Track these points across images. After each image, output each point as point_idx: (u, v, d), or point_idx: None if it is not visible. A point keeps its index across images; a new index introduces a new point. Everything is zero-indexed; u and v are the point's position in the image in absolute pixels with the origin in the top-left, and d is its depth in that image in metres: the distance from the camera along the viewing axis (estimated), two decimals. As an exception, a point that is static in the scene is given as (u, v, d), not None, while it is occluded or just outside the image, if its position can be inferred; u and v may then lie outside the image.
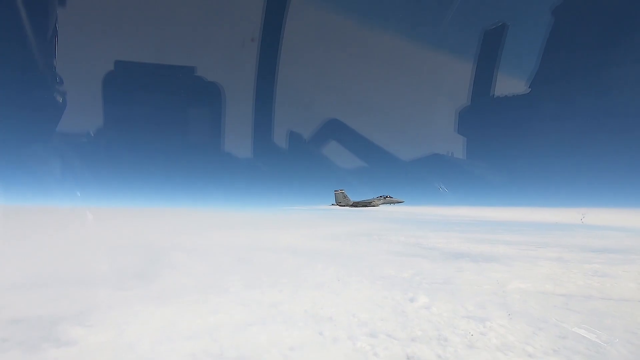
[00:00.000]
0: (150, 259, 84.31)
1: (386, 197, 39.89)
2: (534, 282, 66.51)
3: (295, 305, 52.11)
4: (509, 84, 40.22)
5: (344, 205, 37.86)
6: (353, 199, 41.99)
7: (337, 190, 37.92)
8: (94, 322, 42.20)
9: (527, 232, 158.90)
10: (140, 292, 56.42)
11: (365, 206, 38.92)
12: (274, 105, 42.69)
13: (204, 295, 56.04)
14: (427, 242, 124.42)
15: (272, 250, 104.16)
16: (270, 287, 61.62)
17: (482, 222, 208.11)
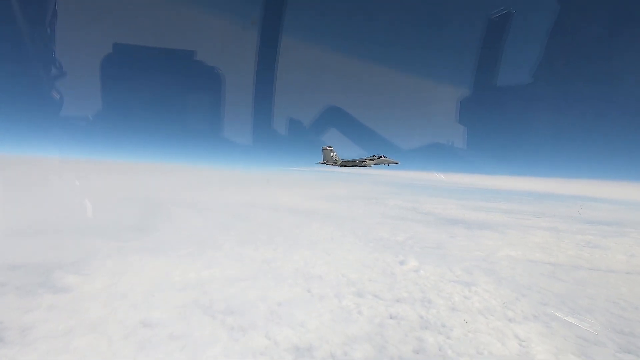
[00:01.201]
0: (149, 212, 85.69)
1: (380, 156, 36.02)
2: (525, 250, 67.49)
3: (287, 262, 53.43)
4: (512, 73, 38.42)
5: (332, 164, 35.41)
6: (345, 157, 39.92)
7: (325, 147, 35.22)
8: (89, 271, 43.54)
9: (526, 201, 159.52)
10: (137, 243, 57.77)
11: (356, 166, 35.77)
12: (274, 92, 41.62)
13: (199, 249, 57.38)
14: (424, 207, 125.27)
15: (270, 208, 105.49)
16: (264, 245, 62.93)
17: (481, 189, 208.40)
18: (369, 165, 36.69)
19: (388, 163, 35.73)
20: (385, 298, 41.90)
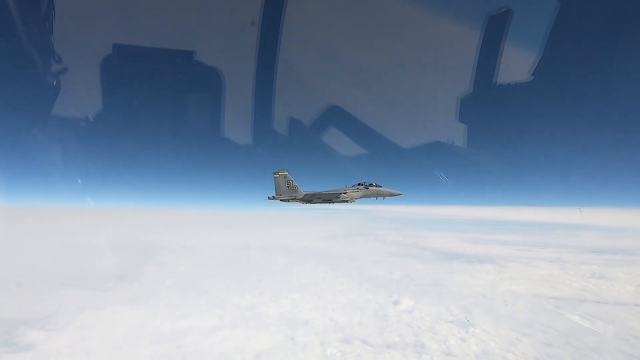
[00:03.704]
0: (136, 258, 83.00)
1: (368, 185, 27.61)
2: (527, 284, 63.91)
3: (272, 307, 50.20)
4: (512, 71, 38.20)
5: (288, 199, 27.37)
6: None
7: (277, 173, 27.36)
8: (58, 326, 40.72)
9: (528, 232, 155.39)
10: (117, 293, 54.92)
11: (329, 201, 27.86)
12: (274, 91, 41.44)
13: (181, 296, 54.41)
14: (423, 242, 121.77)
15: (263, 249, 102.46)
16: (252, 288, 59.80)
17: (482, 221, 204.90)
18: (352, 200, 28.24)
19: (382, 195, 27.94)
20: (374, 344, 38.67)
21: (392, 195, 28.69)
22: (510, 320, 45.15)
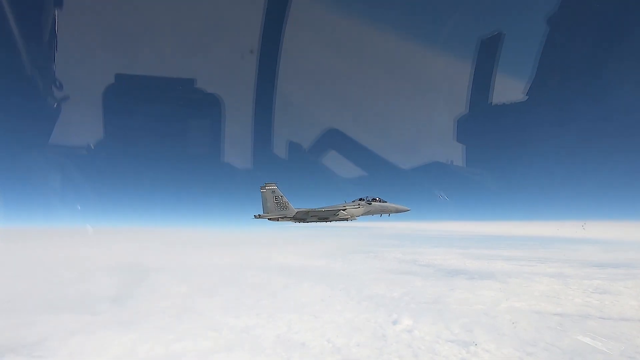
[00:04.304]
0: (132, 280, 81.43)
1: (370, 200, 24.83)
2: (529, 300, 62.56)
3: (268, 329, 48.88)
4: (506, 91, 38.67)
5: (277, 218, 24.57)
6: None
7: (263, 188, 24.69)
8: (46, 352, 39.52)
9: (530, 247, 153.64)
10: (109, 316, 53.54)
11: (325, 219, 24.97)
12: (274, 116, 41.97)
13: (176, 319, 53.03)
14: (424, 258, 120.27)
15: (261, 269, 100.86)
16: (248, 310, 58.41)
17: (484, 237, 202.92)
18: (352, 218, 25.30)
19: (387, 211, 25.13)
20: (372, 366, 37.45)
21: (398, 211, 25.48)
22: (513, 339, 43.96)
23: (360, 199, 25.59)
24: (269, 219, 24.88)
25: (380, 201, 25.31)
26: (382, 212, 25.27)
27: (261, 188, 25.13)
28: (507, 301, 61.42)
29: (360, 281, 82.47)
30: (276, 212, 24.47)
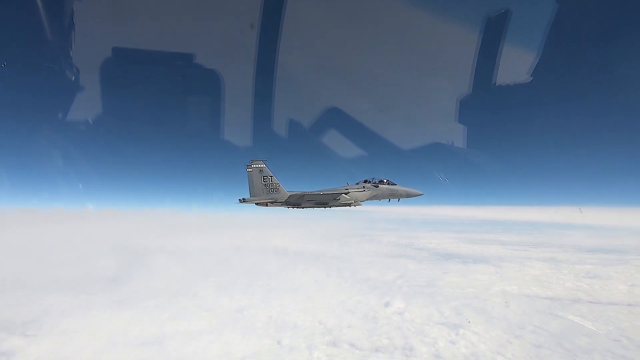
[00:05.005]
0: (129, 261, 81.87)
1: (377, 183, 21.88)
2: (521, 284, 63.27)
3: (261, 310, 49.45)
4: (511, 72, 37.84)
5: (266, 202, 21.14)
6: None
7: (250, 166, 21.31)
8: (40, 331, 39.86)
9: (525, 232, 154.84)
10: (104, 296, 53.97)
11: (324, 205, 21.60)
12: (274, 93, 41.08)
13: (170, 299, 53.52)
14: (419, 242, 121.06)
15: (256, 251, 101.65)
16: (242, 291, 58.99)
17: (481, 221, 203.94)
18: (356, 203, 22.11)
19: (396, 195, 21.99)
20: (362, 347, 38.03)
21: (409, 196, 22.14)
22: (502, 322, 44.58)
23: (365, 181, 22.31)
24: (256, 204, 21.41)
25: (388, 183, 22.08)
26: (390, 196, 22.09)
27: (247, 167, 21.41)
28: (499, 285, 62.06)
29: (354, 264, 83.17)
30: (265, 195, 21.01)
